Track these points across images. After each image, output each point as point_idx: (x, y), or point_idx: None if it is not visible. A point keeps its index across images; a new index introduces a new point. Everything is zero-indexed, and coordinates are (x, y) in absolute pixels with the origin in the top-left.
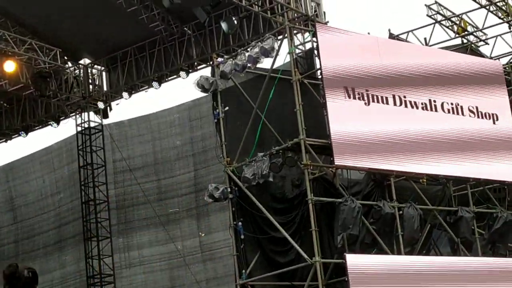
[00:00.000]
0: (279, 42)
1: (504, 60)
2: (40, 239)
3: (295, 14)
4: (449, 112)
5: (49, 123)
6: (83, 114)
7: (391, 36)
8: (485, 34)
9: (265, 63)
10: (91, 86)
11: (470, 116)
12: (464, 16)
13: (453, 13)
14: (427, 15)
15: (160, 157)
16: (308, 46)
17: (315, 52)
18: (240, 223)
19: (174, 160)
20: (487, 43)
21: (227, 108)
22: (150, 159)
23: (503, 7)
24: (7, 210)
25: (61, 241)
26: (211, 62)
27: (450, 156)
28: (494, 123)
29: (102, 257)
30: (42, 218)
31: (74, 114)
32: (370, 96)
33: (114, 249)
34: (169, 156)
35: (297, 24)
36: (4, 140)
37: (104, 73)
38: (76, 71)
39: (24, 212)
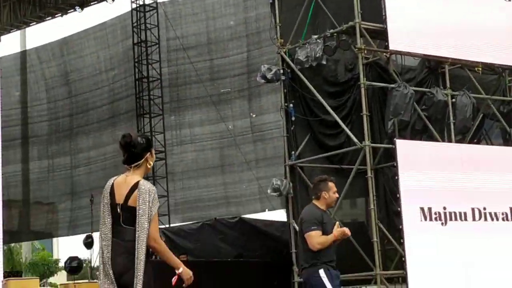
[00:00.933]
0: None
1: None
2: (94, 113)
3: None
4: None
5: None
6: None
7: None
8: None
9: None
10: None
11: None
12: None
13: None
14: None
15: (213, 37)
16: None
17: None
18: (291, 105)
19: (227, 40)
20: None
21: None
22: (203, 39)
23: None
24: (62, 84)
25: (114, 116)
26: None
27: (507, 45)
28: None
29: (154, 134)
30: (96, 93)
31: None
32: None
33: (166, 127)
34: (223, 36)
35: None
36: (59, 14)
37: None
38: None
39: (78, 86)
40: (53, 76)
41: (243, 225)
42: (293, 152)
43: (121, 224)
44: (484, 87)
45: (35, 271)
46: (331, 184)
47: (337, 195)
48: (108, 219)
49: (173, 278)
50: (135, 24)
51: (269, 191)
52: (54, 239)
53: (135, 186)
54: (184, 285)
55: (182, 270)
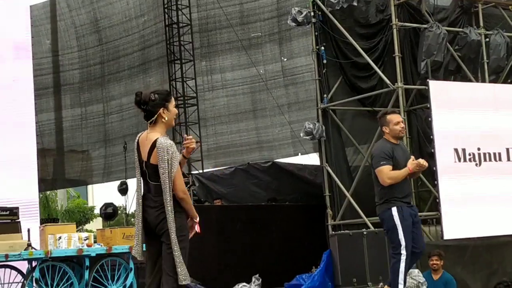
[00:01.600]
0: None
1: None
2: (125, 60)
3: None
4: None
5: None
6: None
7: None
8: None
9: None
10: None
11: None
12: None
13: None
14: None
15: None
16: None
17: None
18: (322, 48)
19: None
20: None
21: None
22: None
23: None
24: (92, 31)
25: (145, 63)
26: None
27: None
28: None
29: (185, 80)
30: (127, 40)
31: None
32: None
33: (197, 72)
34: None
35: None
36: None
37: None
38: None
39: (108, 34)
40: (83, 23)
41: (276, 169)
42: (325, 95)
43: (148, 180)
44: None
45: (71, 218)
46: (389, 117)
47: (400, 125)
48: (139, 175)
49: (197, 227)
50: None
51: (301, 134)
52: (89, 187)
53: (155, 143)
54: (197, 232)
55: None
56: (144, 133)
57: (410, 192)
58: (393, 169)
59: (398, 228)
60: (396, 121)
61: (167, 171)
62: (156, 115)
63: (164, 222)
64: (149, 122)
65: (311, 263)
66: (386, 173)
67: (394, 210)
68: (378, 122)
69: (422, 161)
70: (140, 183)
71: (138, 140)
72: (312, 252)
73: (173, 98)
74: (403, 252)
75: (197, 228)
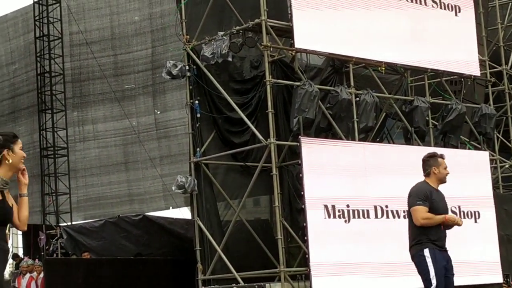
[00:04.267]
0: None
1: None
2: None
3: None
4: (412, 1)
5: None
6: None
7: None
8: None
9: None
10: None
11: (432, 6)
12: None
13: None
14: None
15: (117, 32)
16: None
17: None
18: (196, 102)
19: (131, 35)
20: None
21: None
22: (107, 34)
23: None
24: None
25: (15, 111)
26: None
27: (409, 46)
28: (456, 15)
29: (56, 130)
30: None
31: None
32: None
33: (68, 123)
34: (127, 31)
35: None
36: None
37: None
38: None
39: None
40: None
41: (147, 223)
42: (198, 149)
43: None
44: (387, 87)
45: None
46: (441, 160)
47: (448, 171)
48: None
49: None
50: (37, 18)
51: (173, 188)
52: None
53: None
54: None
55: None
56: None
57: (444, 238)
58: (430, 211)
59: (430, 269)
60: (445, 166)
61: None
62: None
63: None
64: None
65: None
66: (421, 212)
67: (427, 251)
68: (426, 162)
69: (458, 219)
70: None
71: None
72: None
73: (19, 141)
74: None
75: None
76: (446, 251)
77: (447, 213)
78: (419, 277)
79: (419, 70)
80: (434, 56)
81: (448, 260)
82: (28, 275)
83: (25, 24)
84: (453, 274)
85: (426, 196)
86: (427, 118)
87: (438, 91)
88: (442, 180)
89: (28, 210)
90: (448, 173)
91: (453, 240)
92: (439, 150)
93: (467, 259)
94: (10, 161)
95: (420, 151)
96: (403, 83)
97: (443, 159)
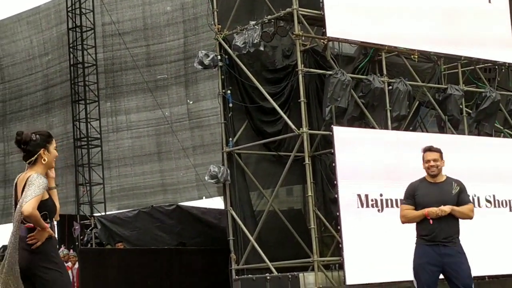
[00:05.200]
0: None
1: None
2: (28, 99)
3: None
4: None
5: None
6: None
7: None
8: None
9: None
10: None
11: None
12: None
13: None
14: None
15: (149, 22)
16: None
17: None
18: (229, 91)
19: (164, 26)
20: None
21: None
22: (139, 24)
23: None
24: None
25: (48, 102)
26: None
27: (442, 33)
28: (489, 1)
29: (89, 120)
30: (30, 79)
31: None
32: None
33: (101, 113)
34: (159, 21)
35: None
36: None
37: None
38: None
39: (11, 72)
40: None
41: (180, 213)
42: (230, 139)
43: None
44: (420, 75)
45: None
46: (423, 155)
47: (428, 164)
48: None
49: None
50: (69, 9)
51: (206, 178)
52: None
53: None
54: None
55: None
56: (23, 174)
57: (439, 231)
58: (416, 207)
59: (412, 265)
60: (426, 159)
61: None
62: (36, 156)
63: (33, 267)
64: (28, 162)
65: None
66: (401, 211)
67: (415, 246)
68: None
69: (437, 209)
70: (13, 227)
71: (16, 181)
72: None
73: (54, 140)
74: None
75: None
76: (441, 245)
77: (435, 205)
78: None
79: (453, 58)
80: (467, 43)
81: (441, 254)
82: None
83: (58, 15)
84: (441, 269)
85: (410, 193)
86: (460, 106)
87: (471, 79)
88: (428, 174)
89: (58, 201)
90: (429, 166)
91: (488, 230)
92: (473, 139)
93: (501, 248)
94: (46, 160)
95: (454, 140)
96: (436, 71)
97: (430, 151)
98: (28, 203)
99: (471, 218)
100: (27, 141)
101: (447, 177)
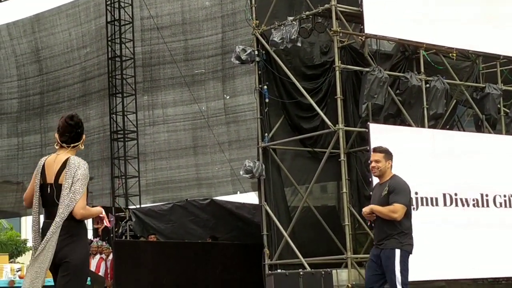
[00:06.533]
0: None
1: None
2: (65, 92)
3: None
4: None
5: None
6: None
7: None
8: None
9: None
10: None
11: None
12: None
13: None
14: None
15: (188, 17)
16: None
17: None
18: (265, 87)
19: (202, 20)
20: None
21: None
22: (178, 19)
23: None
24: (33, 61)
25: (85, 95)
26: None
27: (481, 31)
28: None
29: (126, 113)
30: (68, 72)
31: None
32: None
33: (138, 106)
34: (197, 16)
35: None
36: None
37: None
38: None
39: (49, 64)
40: (24, 53)
41: (215, 207)
42: (266, 134)
43: (54, 204)
44: (458, 73)
45: (3, 250)
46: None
47: (371, 164)
48: (37, 200)
49: (105, 221)
50: (108, 2)
51: (241, 172)
52: (23, 219)
53: (65, 163)
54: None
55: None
56: (52, 156)
57: (377, 233)
58: None
59: None
60: (370, 159)
61: (69, 188)
62: (81, 141)
63: (66, 250)
64: (72, 145)
65: None
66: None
67: None
68: None
69: (363, 210)
70: (35, 213)
71: (44, 163)
72: None
73: None
74: None
75: (106, 222)
76: (379, 247)
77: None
78: (490, 266)
79: (491, 56)
80: (506, 42)
81: (375, 256)
82: (98, 256)
83: (97, 8)
84: (389, 275)
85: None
86: (498, 105)
87: (510, 78)
88: (376, 176)
89: None
90: (371, 167)
91: None
92: (510, 138)
93: None
94: (82, 147)
95: (491, 139)
96: (475, 70)
97: (374, 151)
98: (78, 205)
99: (393, 218)
100: (81, 125)
101: (391, 178)
